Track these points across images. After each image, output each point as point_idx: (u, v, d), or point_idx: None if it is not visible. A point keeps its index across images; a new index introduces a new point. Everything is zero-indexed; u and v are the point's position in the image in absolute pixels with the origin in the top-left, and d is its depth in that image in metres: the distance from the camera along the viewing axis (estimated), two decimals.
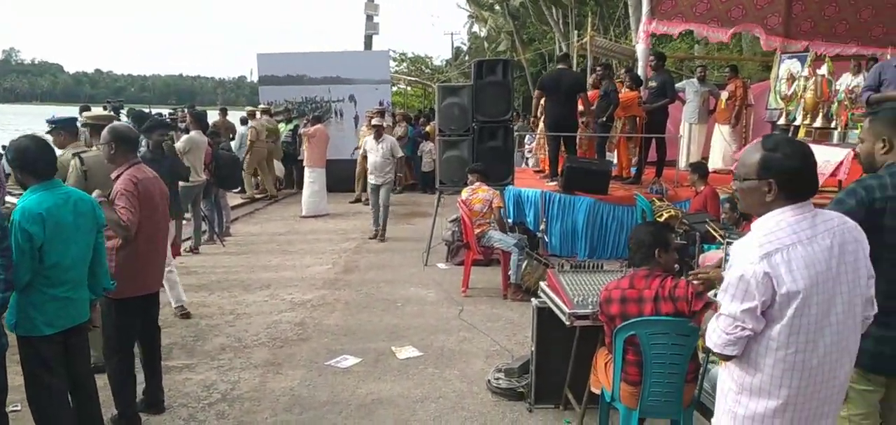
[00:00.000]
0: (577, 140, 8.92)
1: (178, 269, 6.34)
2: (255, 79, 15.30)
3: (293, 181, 14.41)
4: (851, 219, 2.16)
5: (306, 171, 11.61)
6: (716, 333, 2.11)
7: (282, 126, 14.14)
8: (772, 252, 1.99)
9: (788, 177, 2.04)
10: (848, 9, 10.14)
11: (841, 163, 6.29)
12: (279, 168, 14.00)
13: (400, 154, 10.05)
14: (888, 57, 6.72)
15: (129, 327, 3.90)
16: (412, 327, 5.79)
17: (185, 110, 11.82)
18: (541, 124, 9.49)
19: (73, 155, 4.67)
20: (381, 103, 14.35)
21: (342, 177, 12.88)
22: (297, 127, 13.62)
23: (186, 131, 8.67)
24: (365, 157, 9.88)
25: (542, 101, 8.76)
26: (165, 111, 16.75)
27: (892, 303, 2.39)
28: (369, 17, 20.71)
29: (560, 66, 8.81)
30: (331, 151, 11.94)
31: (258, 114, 13.11)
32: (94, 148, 4.98)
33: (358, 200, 12.70)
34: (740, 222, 5.89)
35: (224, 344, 5.38)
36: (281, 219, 11.44)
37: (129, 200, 3.70)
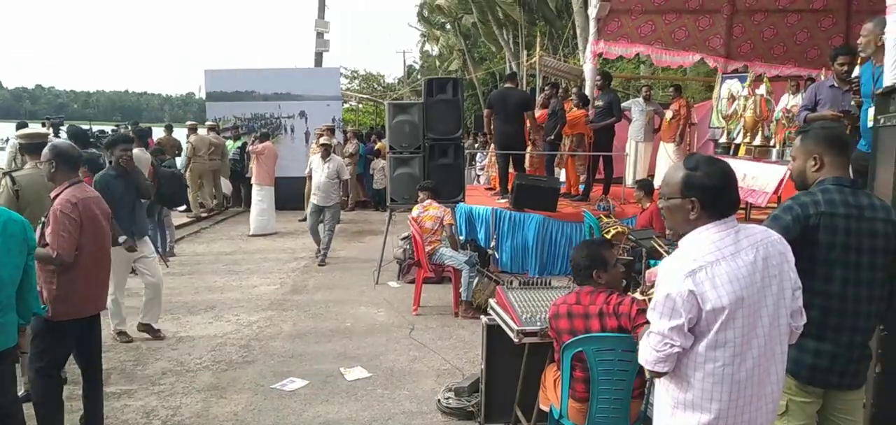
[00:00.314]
0: (527, 157, 9.01)
1: None
2: (203, 95, 15.02)
3: (241, 199, 14.15)
4: (780, 234, 2.21)
5: (254, 189, 11.42)
6: (647, 350, 2.14)
7: (229, 143, 13.89)
8: (696, 270, 2.03)
9: (709, 194, 2.09)
10: (784, 32, 10.55)
11: (781, 180, 6.51)
12: (227, 185, 13.73)
13: (346, 176, 9.70)
14: (822, 77, 6.99)
15: (62, 351, 3.73)
16: (362, 347, 5.71)
17: (129, 127, 11.51)
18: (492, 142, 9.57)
19: (4, 174, 4.48)
20: (333, 120, 14.25)
21: (291, 195, 12.68)
22: (245, 144, 13.40)
23: None
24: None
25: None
26: (109, 128, 16.30)
27: (828, 318, 2.45)
28: (320, 35, 20.55)
29: (507, 85, 8.92)
30: (280, 169, 11.78)
31: (201, 130, 12.85)
32: (28, 166, 4.79)
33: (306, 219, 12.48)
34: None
35: (166, 368, 5.20)
36: (228, 238, 11.19)
37: (65, 224, 3.55)
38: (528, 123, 8.58)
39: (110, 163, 5.68)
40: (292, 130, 14.44)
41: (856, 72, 5.14)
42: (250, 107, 14.43)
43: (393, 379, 5.03)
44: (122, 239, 5.12)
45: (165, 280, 7.92)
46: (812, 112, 5.47)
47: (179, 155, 13.05)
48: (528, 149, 8.97)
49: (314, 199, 9.14)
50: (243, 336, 6.00)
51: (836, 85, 5.29)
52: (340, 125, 15.09)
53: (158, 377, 5.02)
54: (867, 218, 2.47)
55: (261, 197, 11.31)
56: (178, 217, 10.99)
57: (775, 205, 5.29)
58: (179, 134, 14.13)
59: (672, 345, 2.06)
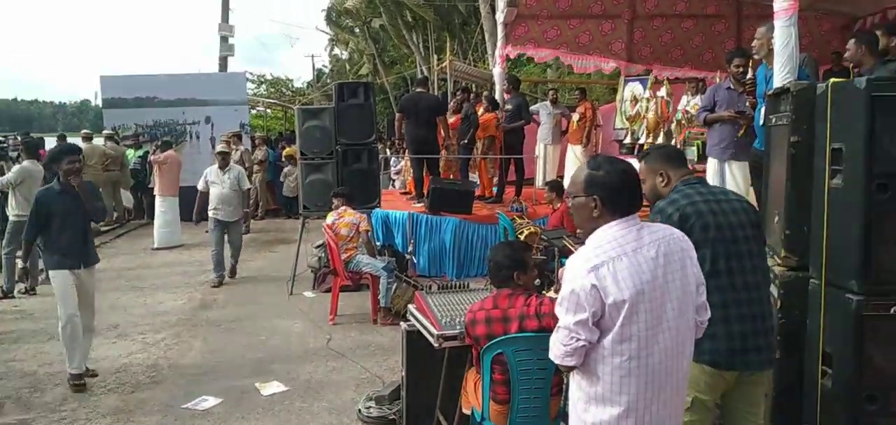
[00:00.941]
0: (441, 161, 9.06)
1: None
2: (100, 102, 14.24)
3: (143, 211, 13.48)
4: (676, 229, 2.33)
5: (157, 200, 10.92)
6: (555, 346, 2.20)
7: (130, 152, 13.22)
8: (598, 265, 2.09)
9: (610, 193, 2.17)
10: (681, 36, 11.08)
11: None
12: (127, 197, 13.07)
13: (246, 186, 8.81)
14: (717, 79, 7.38)
15: None
16: (277, 361, 5.55)
17: (18, 138, 10.75)
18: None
19: None
20: (241, 126, 13.82)
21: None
22: (146, 153, 12.77)
23: (18, 161, 7.86)
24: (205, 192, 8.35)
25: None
26: None
27: (728, 302, 2.59)
28: (224, 39, 19.94)
29: (419, 89, 8.94)
30: (185, 177, 11.29)
31: (97, 139, 12.18)
32: None
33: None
34: None
35: (66, 393, 4.88)
36: (130, 252, 10.63)
37: None
38: (440, 128, 8.62)
39: (58, 178, 5.00)
40: (197, 137, 13.90)
41: (750, 73, 5.47)
42: (152, 113, 13.79)
43: (311, 391, 4.92)
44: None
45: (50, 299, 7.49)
46: (711, 112, 5.77)
47: None
48: (442, 153, 9.02)
49: (216, 215, 8.21)
50: (150, 355, 5.71)
51: (732, 86, 5.60)
52: (248, 131, 14.67)
53: (58, 404, 4.70)
54: (723, 200, 2.71)
55: (164, 208, 10.83)
56: None
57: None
58: (75, 143, 13.29)
59: (578, 339, 2.11)
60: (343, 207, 6.86)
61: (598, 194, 2.18)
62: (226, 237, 8.32)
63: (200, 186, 8.36)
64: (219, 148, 8.76)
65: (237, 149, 12.10)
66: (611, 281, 2.08)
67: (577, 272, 2.12)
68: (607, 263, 2.10)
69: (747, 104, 5.46)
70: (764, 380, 2.78)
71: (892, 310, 2.70)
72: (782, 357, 3.04)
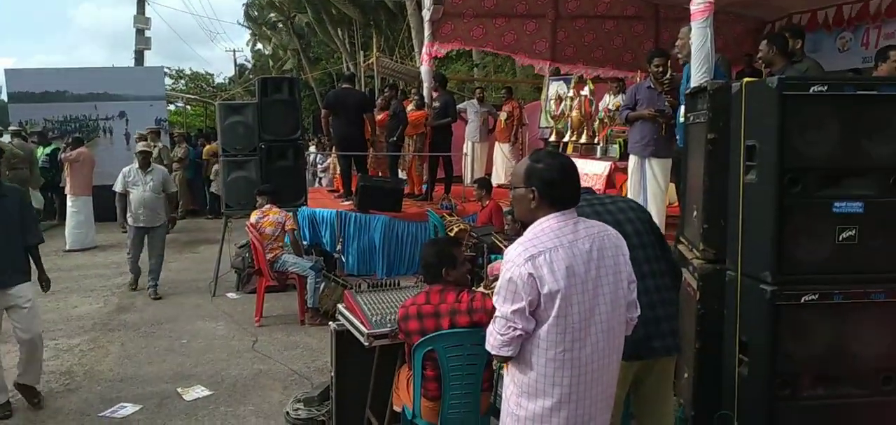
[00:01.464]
0: (368, 158, 8.99)
1: None
2: (5, 97, 13.42)
3: (54, 211, 12.74)
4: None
5: (69, 200, 10.35)
6: (492, 336, 2.23)
7: (39, 150, 12.47)
8: (535, 255, 2.14)
9: (548, 186, 2.22)
10: (603, 36, 11.35)
11: (606, 174, 7.03)
12: (37, 198, 12.30)
13: (173, 188, 8.04)
14: (637, 79, 7.62)
15: None
16: (200, 364, 5.37)
17: None
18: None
19: None
20: (157, 122, 13.26)
21: (112, 205, 11.66)
22: (56, 150, 12.07)
23: None
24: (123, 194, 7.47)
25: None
26: None
27: None
28: (140, 32, 19.15)
29: (345, 86, 8.83)
30: (99, 176, 10.74)
31: (4, 137, 11.43)
32: None
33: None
34: (522, 232, 6.31)
35: None
36: (41, 254, 10.01)
37: None
38: (368, 124, 8.54)
39: None
40: (111, 132, 13.27)
41: (668, 73, 5.66)
42: (62, 108, 13.06)
43: (236, 394, 4.78)
44: None
45: None
46: (632, 110, 5.94)
47: None
48: (370, 150, 8.95)
49: (136, 221, 7.42)
50: (64, 362, 5.41)
51: (652, 86, 5.79)
52: (166, 127, 14.10)
53: None
54: (609, 203, 2.88)
55: (77, 208, 10.29)
56: None
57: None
58: None
59: (515, 328, 2.15)
60: (268, 205, 6.69)
61: (537, 186, 2.22)
62: (145, 242, 7.57)
63: (117, 187, 7.45)
64: (139, 147, 7.85)
65: (156, 146, 11.62)
66: (547, 270, 2.11)
67: (514, 261, 2.15)
68: (544, 253, 2.13)
69: (666, 103, 5.66)
70: (670, 366, 2.89)
71: (802, 300, 2.84)
72: (702, 346, 3.16)
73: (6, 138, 11.50)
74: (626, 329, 2.37)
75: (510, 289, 2.15)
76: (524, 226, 2.32)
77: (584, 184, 2.48)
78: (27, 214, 4.62)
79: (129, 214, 7.45)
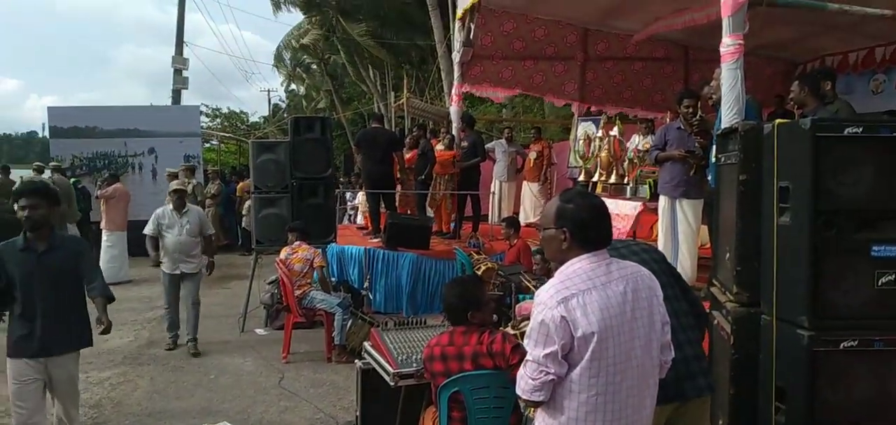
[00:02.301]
0: (397, 196, 9.06)
1: None
2: (47, 134, 13.89)
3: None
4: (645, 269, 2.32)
5: (104, 235, 10.57)
6: (524, 380, 2.16)
7: None
8: (568, 297, 2.09)
9: (580, 226, 2.18)
10: (631, 77, 11.37)
11: (636, 216, 6.96)
12: (74, 232, 12.59)
13: (211, 230, 7.09)
14: (667, 120, 7.57)
15: None
16: (227, 401, 5.38)
17: None
18: None
19: None
20: (186, 158, 13.45)
21: (143, 239, 11.85)
22: (77, 183, 12.36)
23: None
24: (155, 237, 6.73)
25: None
26: None
27: None
28: (178, 72, 19.68)
29: (375, 125, 8.98)
30: (132, 210, 10.98)
31: (48, 171, 11.77)
32: None
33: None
34: (552, 273, 6.26)
35: None
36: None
37: None
38: (396, 162, 8.63)
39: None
40: (140, 168, 13.59)
41: (699, 113, 5.61)
42: (92, 144, 13.44)
43: None
44: None
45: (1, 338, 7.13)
46: (662, 151, 5.89)
47: None
48: (398, 188, 9.03)
49: (174, 269, 6.69)
50: (93, 395, 5.47)
51: (682, 126, 5.74)
52: (198, 161, 14.36)
53: None
54: (625, 252, 2.67)
55: (111, 243, 10.51)
56: None
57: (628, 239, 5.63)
58: (41, 180, 12.82)
59: (547, 373, 2.09)
60: (298, 242, 6.75)
61: (568, 227, 2.18)
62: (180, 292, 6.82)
63: (148, 230, 6.71)
64: (173, 186, 7.09)
65: (190, 183, 11.84)
66: (580, 313, 2.06)
67: (546, 303, 2.10)
68: (577, 295, 2.09)
69: (696, 144, 5.61)
70: (703, 409, 2.80)
71: (841, 347, 2.76)
72: (736, 391, 3.08)
73: (47, 174, 11.83)
74: (661, 372, 2.31)
75: (542, 331, 2.09)
76: (553, 266, 2.29)
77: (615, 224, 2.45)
78: (86, 267, 3.98)
79: (165, 257, 6.73)
